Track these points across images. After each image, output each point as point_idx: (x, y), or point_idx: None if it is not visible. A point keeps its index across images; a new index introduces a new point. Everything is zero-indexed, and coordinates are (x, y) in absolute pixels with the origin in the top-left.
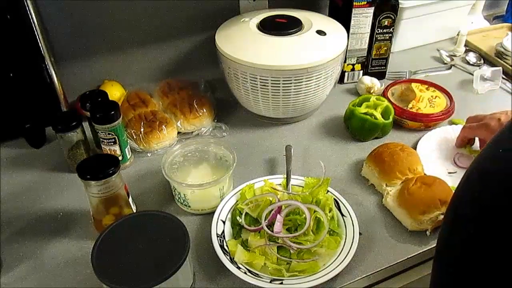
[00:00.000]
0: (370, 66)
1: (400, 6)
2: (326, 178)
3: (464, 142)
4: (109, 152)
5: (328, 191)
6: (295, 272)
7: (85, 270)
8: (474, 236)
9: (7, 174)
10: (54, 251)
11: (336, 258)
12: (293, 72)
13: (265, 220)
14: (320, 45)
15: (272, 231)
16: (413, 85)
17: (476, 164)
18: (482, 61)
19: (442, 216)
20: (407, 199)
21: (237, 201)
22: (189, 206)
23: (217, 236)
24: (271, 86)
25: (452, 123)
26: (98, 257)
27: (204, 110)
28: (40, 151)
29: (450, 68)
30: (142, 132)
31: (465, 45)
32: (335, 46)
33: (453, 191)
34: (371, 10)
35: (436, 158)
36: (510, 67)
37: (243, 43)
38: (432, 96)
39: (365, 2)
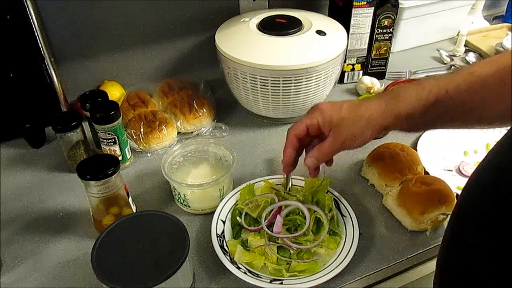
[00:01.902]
0: (370, 66)
1: (400, 6)
2: (326, 178)
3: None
4: (109, 152)
5: (328, 191)
6: (295, 272)
7: (85, 270)
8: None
9: (7, 174)
10: (54, 251)
11: (336, 258)
12: (293, 72)
13: (265, 220)
14: (320, 45)
15: (272, 231)
16: None
17: (488, 159)
18: None
19: (442, 216)
20: (407, 199)
21: (237, 201)
22: (189, 206)
23: (217, 236)
24: (271, 86)
25: None
26: (98, 257)
27: (204, 110)
28: (40, 151)
29: (450, 68)
30: (142, 132)
31: (465, 45)
32: (335, 46)
33: (453, 191)
34: (371, 10)
35: (436, 158)
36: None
37: (243, 43)
38: None
39: (365, 2)
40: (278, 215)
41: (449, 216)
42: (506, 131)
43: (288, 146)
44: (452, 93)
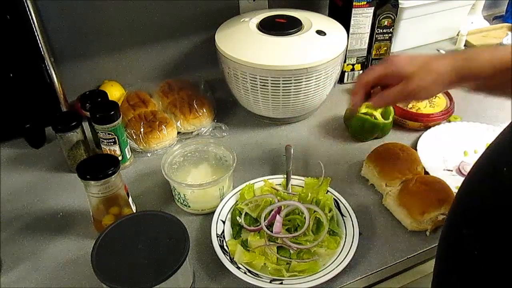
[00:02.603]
0: (370, 66)
1: (400, 6)
2: (326, 178)
3: (364, 92)
4: (109, 152)
5: (328, 191)
6: (295, 272)
7: (85, 270)
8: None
9: (7, 174)
10: (54, 251)
11: (336, 258)
12: (293, 72)
13: (264, 220)
14: (320, 45)
15: (272, 232)
16: None
17: (487, 156)
18: None
19: (442, 216)
20: (407, 199)
21: (237, 201)
22: (189, 206)
23: (217, 236)
24: (271, 86)
25: (449, 121)
26: (98, 257)
27: (204, 110)
28: (40, 151)
29: None
30: (142, 132)
31: (465, 45)
32: (335, 46)
33: (453, 191)
34: (371, 10)
35: (436, 158)
36: None
37: (243, 43)
38: None
39: (365, 2)
40: (277, 215)
41: None
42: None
43: (359, 88)
44: None
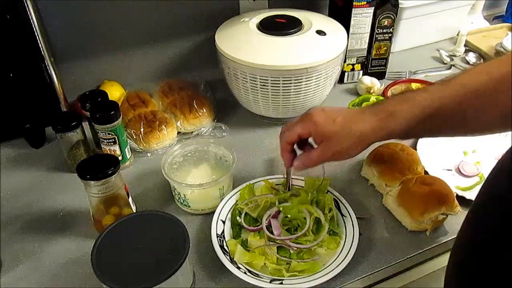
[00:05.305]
0: (370, 66)
1: (400, 6)
2: (326, 178)
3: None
4: (109, 152)
5: (328, 191)
6: (295, 272)
7: (85, 270)
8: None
9: (7, 174)
10: (54, 251)
11: (336, 258)
12: (293, 72)
13: (265, 220)
14: (320, 45)
15: (272, 233)
16: (413, 85)
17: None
18: (482, 61)
19: (442, 216)
20: (407, 199)
21: (237, 201)
22: (189, 206)
23: (217, 236)
24: (271, 86)
25: None
26: (98, 257)
27: (204, 110)
28: (40, 151)
29: (450, 68)
30: (142, 132)
31: (465, 45)
32: (335, 46)
33: (453, 191)
34: (371, 10)
35: (436, 158)
36: None
37: (243, 43)
38: None
39: (365, 2)
40: (274, 219)
41: (449, 216)
42: None
43: (284, 151)
44: (446, 106)
